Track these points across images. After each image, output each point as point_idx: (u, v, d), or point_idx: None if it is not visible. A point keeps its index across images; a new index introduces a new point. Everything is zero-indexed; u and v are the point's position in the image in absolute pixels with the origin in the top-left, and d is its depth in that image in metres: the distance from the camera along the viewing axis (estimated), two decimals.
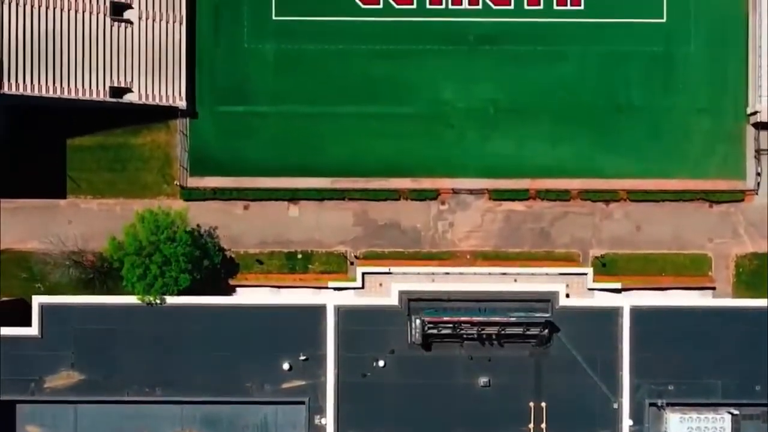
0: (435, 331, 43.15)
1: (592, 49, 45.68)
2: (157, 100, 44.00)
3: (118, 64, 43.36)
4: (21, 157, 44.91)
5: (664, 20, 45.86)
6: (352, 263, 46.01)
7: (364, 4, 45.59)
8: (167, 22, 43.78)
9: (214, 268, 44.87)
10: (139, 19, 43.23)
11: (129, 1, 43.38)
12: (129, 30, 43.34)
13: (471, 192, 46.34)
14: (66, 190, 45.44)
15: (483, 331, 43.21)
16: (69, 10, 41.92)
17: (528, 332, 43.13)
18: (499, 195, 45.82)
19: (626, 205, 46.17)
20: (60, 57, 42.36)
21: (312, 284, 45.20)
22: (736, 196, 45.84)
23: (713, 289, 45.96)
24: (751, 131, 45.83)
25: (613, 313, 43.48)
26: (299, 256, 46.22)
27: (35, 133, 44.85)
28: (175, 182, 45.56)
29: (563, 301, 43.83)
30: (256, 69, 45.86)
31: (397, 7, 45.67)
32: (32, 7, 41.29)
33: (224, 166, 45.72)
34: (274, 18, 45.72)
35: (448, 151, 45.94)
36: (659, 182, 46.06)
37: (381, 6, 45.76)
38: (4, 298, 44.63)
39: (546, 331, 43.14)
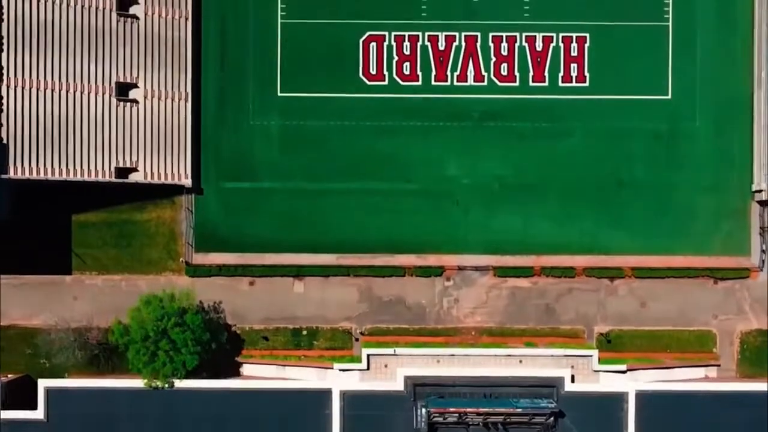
0: (441, 419, 43.15)
1: (597, 126, 45.81)
2: (163, 179, 44.10)
3: (123, 144, 43.45)
4: (26, 233, 44.99)
5: (669, 97, 45.98)
6: (357, 339, 46.01)
7: (369, 80, 45.74)
8: (173, 100, 43.88)
9: (220, 346, 45.03)
10: (145, 98, 43.32)
11: (134, 80, 43.63)
12: (135, 109, 43.46)
13: (476, 269, 46.35)
14: (71, 266, 45.56)
15: (488, 419, 43.24)
16: (75, 92, 42.05)
17: (534, 420, 43.17)
18: (504, 272, 45.84)
19: (631, 282, 46.23)
20: (66, 139, 42.43)
21: (317, 362, 45.35)
22: (742, 273, 45.87)
23: (718, 365, 46.19)
24: (756, 208, 45.83)
25: (619, 398, 43.55)
26: (304, 332, 46.21)
27: (40, 209, 45.35)
28: (180, 259, 45.76)
29: (569, 386, 43.70)
30: (261, 145, 46.01)
31: (402, 83, 45.82)
32: (37, 90, 41.40)
33: (229, 242, 45.87)
34: (279, 94, 45.84)
35: (453, 227, 46.03)
36: (664, 259, 46.20)
37: (386, 82, 45.92)
38: (11, 376, 44.79)
39: (551, 419, 43.16)
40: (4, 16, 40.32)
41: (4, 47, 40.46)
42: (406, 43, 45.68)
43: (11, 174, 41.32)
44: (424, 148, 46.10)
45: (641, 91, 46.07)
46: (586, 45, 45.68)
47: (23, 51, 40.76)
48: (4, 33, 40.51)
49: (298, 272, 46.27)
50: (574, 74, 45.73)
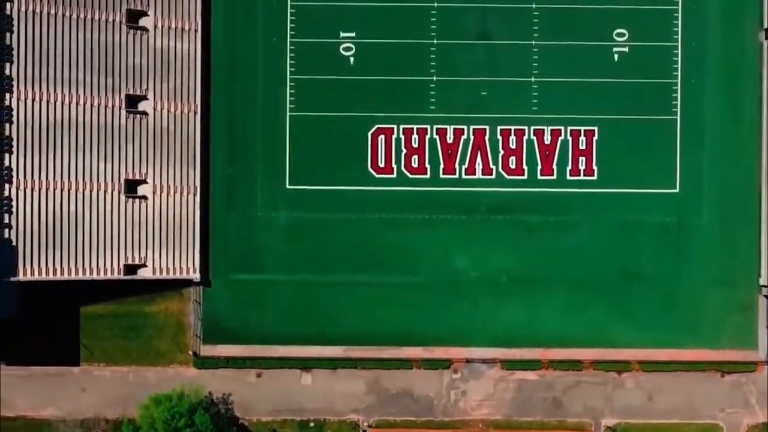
0: None
1: (605, 219, 45.87)
2: (171, 274, 44.11)
3: (132, 240, 43.47)
4: (34, 325, 45.30)
5: (677, 190, 46.04)
6: (364, 431, 46.22)
7: (378, 173, 45.79)
8: (181, 195, 43.92)
9: None
10: (154, 193, 43.41)
11: (143, 176, 43.63)
12: (144, 205, 43.52)
13: (484, 361, 46.39)
14: (79, 357, 45.79)
15: None
16: (84, 191, 42.12)
17: None
18: (511, 365, 45.80)
19: (638, 375, 46.19)
20: (75, 238, 42.48)
21: None
22: (749, 367, 46.01)
23: None
24: (763, 302, 45.78)
25: None
26: (312, 424, 46.17)
27: (48, 301, 45.33)
28: (189, 351, 45.75)
29: None
30: (269, 238, 46.04)
31: (411, 176, 45.86)
32: (47, 190, 41.48)
33: (237, 334, 45.93)
34: (287, 187, 45.90)
35: (460, 320, 46.13)
36: (671, 352, 46.20)
37: (394, 175, 45.98)
38: None
39: None
40: (14, 119, 40.43)
41: (14, 149, 40.65)
42: (415, 136, 45.76)
43: (20, 276, 41.44)
44: (433, 241, 46.20)
45: (649, 184, 46.16)
46: (595, 138, 45.80)
47: (32, 152, 40.84)
48: (14, 135, 40.69)
49: (306, 364, 46.38)
50: (582, 167, 45.86)
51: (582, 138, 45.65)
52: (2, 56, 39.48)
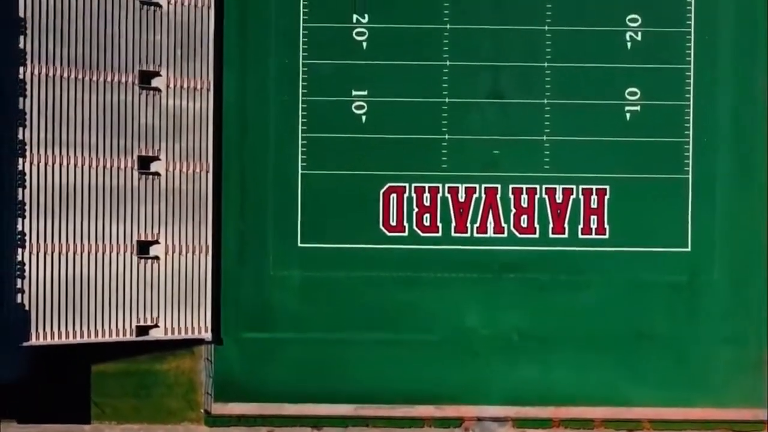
0: None
1: (616, 277, 45.81)
2: (183, 333, 44.01)
3: (144, 301, 43.46)
4: (45, 383, 45.22)
5: (688, 249, 46.11)
6: None
7: (390, 231, 45.78)
8: (193, 254, 43.87)
9: None
10: (166, 253, 43.41)
11: (155, 237, 43.59)
12: (156, 266, 43.50)
13: (495, 419, 46.39)
14: (90, 415, 45.77)
15: None
16: (96, 253, 42.09)
17: None
18: (523, 424, 45.49)
19: None
20: (87, 301, 42.37)
21: None
22: (758, 427, 45.90)
23: None
24: None
25: None
26: None
27: (59, 359, 45.27)
28: (200, 409, 45.69)
29: None
30: (280, 296, 45.94)
31: (423, 235, 45.85)
32: (59, 254, 41.44)
33: (249, 392, 45.75)
34: (299, 245, 45.86)
35: (472, 378, 45.94)
36: (682, 411, 46.08)
37: (406, 234, 45.96)
38: None
39: None
40: (27, 183, 40.41)
41: (27, 214, 40.60)
42: (427, 195, 45.76)
43: (33, 340, 41.39)
44: (444, 299, 46.15)
45: (661, 243, 46.16)
46: (606, 197, 45.84)
47: (45, 216, 40.72)
48: (27, 200, 40.65)
49: (317, 422, 46.27)
50: (593, 226, 45.88)
51: (594, 197, 45.70)
52: (15, 121, 39.53)
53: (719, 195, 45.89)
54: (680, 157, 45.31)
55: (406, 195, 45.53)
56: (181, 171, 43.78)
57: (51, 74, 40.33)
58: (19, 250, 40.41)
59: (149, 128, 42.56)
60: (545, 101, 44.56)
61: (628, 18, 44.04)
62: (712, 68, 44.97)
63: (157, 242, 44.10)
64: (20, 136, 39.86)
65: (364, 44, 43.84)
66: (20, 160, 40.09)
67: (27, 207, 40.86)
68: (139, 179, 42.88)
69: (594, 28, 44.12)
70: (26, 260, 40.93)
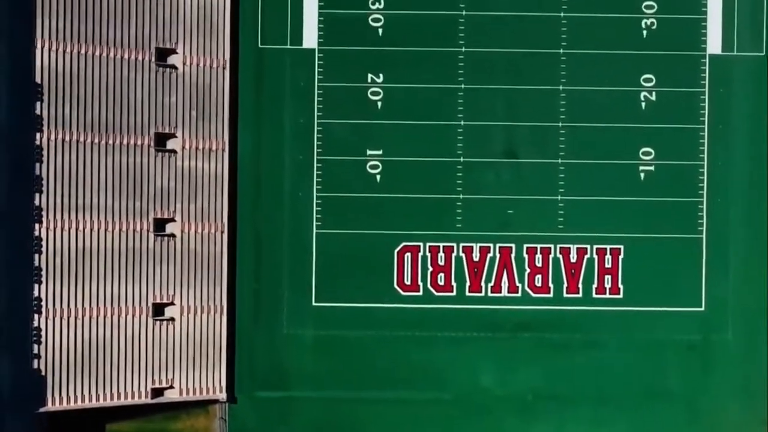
0: None
1: (630, 337, 45.79)
2: (198, 394, 43.97)
3: (159, 363, 43.49)
4: None
5: (702, 309, 46.18)
6: None
7: (404, 291, 45.79)
8: (208, 314, 43.90)
9: None
10: (181, 315, 43.47)
11: (171, 299, 43.62)
12: (171, 327, 43.53)
13: None
14: None
15: None
16: (111, 316, 42.12)
17: None
18: None
19: None
20: (102, 364, 42.35)
21: None
22: None
23: None
24: None
25: None
26: None
27: (74, 420, 45.08)
28: None
29: None
30: (295, 355, 45.91)
31: (437, 294, 45.89)
32: (75, 318, 41.46)
33: None
34: (314, 304, 45.88)
35: None
36: None
37: (421, 293, 45.99)
38: None
39: None
40: (43, 249, 40.43)
41: (43, 279, 40.63)
42: (441, 254, 45.80)
43: (49, 406, 41.35)
44: (458, 359, 46.16)
45: (675, 303, 46.20)
46: (621, 257, 45.92)
47: (61, 281, 40.73)
48: (43, 266, 40.67)
49: None
50: (608, 286, 45.91)
51: (608, 256, 45.74)
52: (32, 187, 39.56)
53: (732, 255, 45.92)
54: (694, 217, 45.38)
55: (420, 254, 45.57)
56: (196, 232, 43.80)
57: (67, 139, 40.42)
58: (35, 316, 40.55)
59: (165, 190, 42.61)
60: (559, 161, 44.63)
61: (642, 78, 44.10)
62: (726, 128, 45.12)
63: (172, 303, 44.22)
64: (36, 202, 39.99)
65: (379, 104, 43.89)
66: (36, 226, 40.22)
67: (43, 272, 40.91)
68: (154, 241, 42.96)
69: (608, 87, 44.24)
70: (42, 326, 41.04)
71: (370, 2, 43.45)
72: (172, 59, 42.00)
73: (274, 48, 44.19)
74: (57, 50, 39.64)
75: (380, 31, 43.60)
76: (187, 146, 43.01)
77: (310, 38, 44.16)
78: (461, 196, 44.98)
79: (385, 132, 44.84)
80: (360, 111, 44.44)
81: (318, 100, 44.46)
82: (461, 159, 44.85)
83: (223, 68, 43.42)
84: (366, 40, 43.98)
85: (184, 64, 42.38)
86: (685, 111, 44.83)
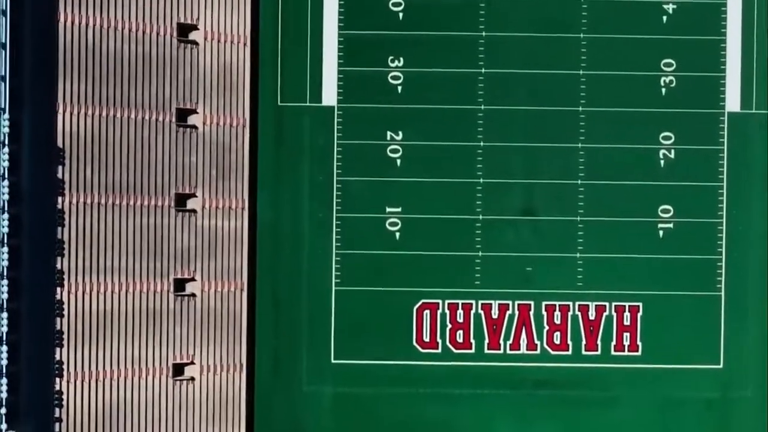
0: None
1: (648, 395, 45.68)
2: None
3: (179, 424, 43.00)
4: None
5: (720, 366, 46.18)
6: None
7: (423, 348, 45.75)
8: (227, 372, 43.80)
9: None
10: (201, 374, 43.28)
11: (190, 359, 43.58)
12: (190, 387, 42.75)
13: None
14: None
15: None
16: (132, 377, 41.96)
17: None
18: None
19: None
20: (123, 427, 41.46)
21: None
22: None
23: None
24: None
25: None
26: None
27: None
28: None
29: None
30: (314, 411, 45.69)
31: (456, 351, 45.88)
32: (95, 380, 41.05)
33: None
34: (333, 361, 45.85)
35: None
36: None
37: (439, 351, 45.94)
38: None
39: None
40: (65, 312, 40.45)
41: (65, 343, 40.63)
42: (460, 312, 45.77)
43: None
44: (477, 416, 45.96)
45: (693, 360, 46.15)
46: (639, 314, 45.92)
47: (82, 344, 40.49)
48: (65, 329, 40.66)
49: None
50: (626, 343, 45.89)
51: (626, 314, 45.72)
52: (54, 251, 39.58)
53: (751, 312, 45.88)
54: (713, 275, 45.37)
55: (439, 311, 45.53)
56: (216, 290, 43.85)
57: (89, 202, 40.44)
58: (57, 380, 40.56)
59: (185, 250, 42.56)
60: (578, 218, 44.61)
61: (661, 135, 44.12)
62: (744, 184, 45.09)
63: (192, 363, 44.21)
64: (58, 266, 40.01)
65: (398, 161, 43.86)
66: (58, 290, 40.25)
67: (65, 336, 40.92)
68: (174, 301, 42.98)
69: (627, 145, 44.28)
70: (64, 389, 41.02)
71: (389, 60, 43.47)
72: (192, 119, 42.04)
73: (293, 105, 44.29)
74: (78, 114, 39.60)
75: (399, 88, 43.61)
76: (207, 206, 43.00)
77: (330, 96, 44.18)
78: (480, 254, 44.96)
79: (404, 189, 44.80)
80: (379, 168, 44.40)
81: (337, 157, 44.45)
82: (480, 216, 44.85)
83: (243, 126, 43.46)
84: (385, 98, 43.92)
85: (204, 123, 42.38)
86: (704, 168, 44.78)
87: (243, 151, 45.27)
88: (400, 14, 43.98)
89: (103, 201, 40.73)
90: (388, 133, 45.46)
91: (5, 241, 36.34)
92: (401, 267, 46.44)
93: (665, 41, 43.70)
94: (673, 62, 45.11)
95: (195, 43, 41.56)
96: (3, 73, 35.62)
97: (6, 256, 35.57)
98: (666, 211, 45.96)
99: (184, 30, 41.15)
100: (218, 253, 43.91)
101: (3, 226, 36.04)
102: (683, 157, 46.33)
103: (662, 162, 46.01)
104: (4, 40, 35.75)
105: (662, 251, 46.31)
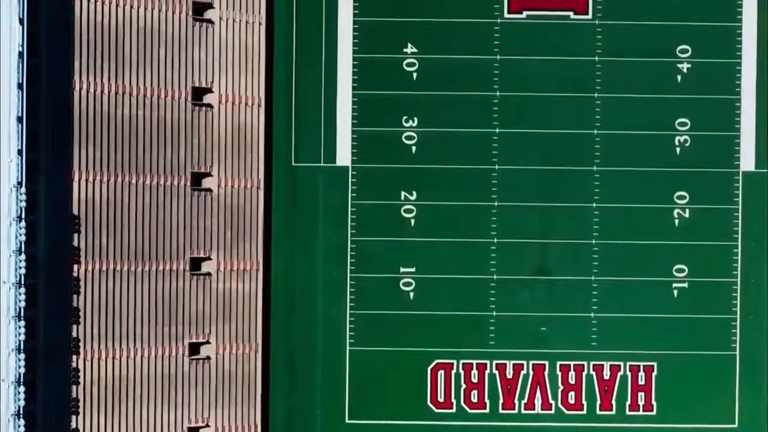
0: None
1: None
2: None
3: None
4: None
5: (735, 426, 46.14)
6: None
7: (437, 408, 45.67)
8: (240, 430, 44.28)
9: None
10: None
11: (205, 422, 43.61)
12: None
13: None
14: None
15: None
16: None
17: None
18: None
19: None
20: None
21: None
22: None
23: None
24: None
25: None
26: None
27: None
28: None
29: None
30: None
31: (470, 411, 45.80)
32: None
33: None
34: (347, 422, 45.78)
35: None
36: None
37: (454, 411, 45.83)
38: None
39: None
40: (81, 380, 40.43)
41: (80, 410, 40.58)
42: (474, 372, 45.71)
43: None
44: None
45: (708, 419, 46.06)
46: (654, 374, 45.92)
47: (98, 411, 39.95)
48: (80, 396, 40.33)
49: None
50: (641, 403, 45.84)
51: (641, 373, 45.67)
52: (70, 319, 39.57)
53: (766, 371, 46.03)
54: (727, 334, 45.34)
55: (453, 371, 45.48)
56: (230, 353, 43.85)
57: (104, 269, 40.40)
58: None
59: (199, 313, 42.47)
60: (592, 278, 44.58)
61: (675, 195, 44.14)
62: (758, 245, 45.10)
63: (206, 426, 44.17)
64: (74, 334, 39.98)
65: (412, 221, 43.84)
66: (74, 357, 40.21)
67: (81, 403, 40.86)
68: (189, 365, 42.95)
69: (642, 204, 44.25)
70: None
71: (403, 120, 43.43)
72: (207, 182, 42.05)
73: (307, 166, 44.29)
74: (93, 181, 39.61)
75: (414, 148, 43.57)
76: (221, 268, 42.96)
77: (344, 156, 44.14)
78: (494, 313, 44.88)
79: (418, 249, 44.72)
80: (393, 228, 44.32)
81: (351, 217, 44.44)
82: (494, 276, 44.80)
83: (257, 188, 43.48)
84: (399, 158, 43.88)
85: (219, 186, 42.32)
86: (719, 228, 44.68)
87: (257, 213, 45.25)
88: (414, 74, 43.95)
89: (118, 267, 40.70)
90: (402, 193, 45.42)
91: (22, 314, 36.33)
92: (415, 327, 46.40)
93: (680, 100, 43.62)
94: (688, 121, 45.04)
95: (209, 106, 41.57)
96: (20, 147, 35.74)
97: (23, 330, 35.56)
98: (680, 270, 45.89)
99: (199, 93, 41.21)
100: (233, 315, 43.88)
101: (20, 300, 36.03)
102: (698, 216, 46.25)
103: (677, 221, 45.96)
104: (20, 114, 35.88)
105: (677, 311, 46.25)
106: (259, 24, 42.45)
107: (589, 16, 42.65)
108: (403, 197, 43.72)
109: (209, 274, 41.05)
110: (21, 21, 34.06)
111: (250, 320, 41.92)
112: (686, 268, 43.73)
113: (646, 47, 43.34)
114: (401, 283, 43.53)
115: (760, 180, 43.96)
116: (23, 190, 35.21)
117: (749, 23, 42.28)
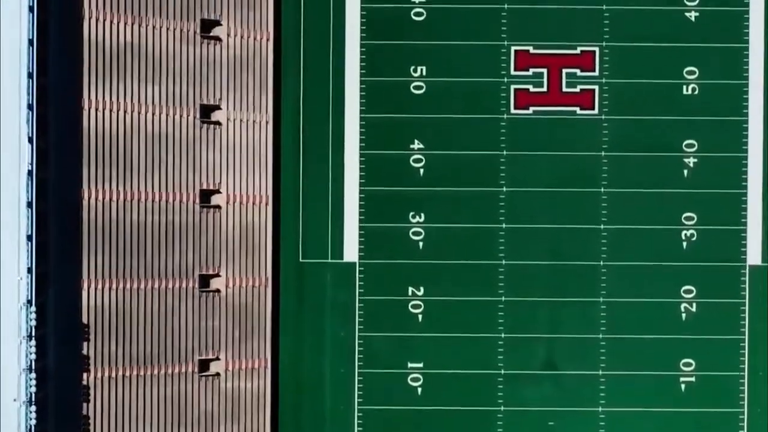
0: None
1: None
2: None
3: None
4: None
5: None
6: None
7: None
8: None
9: None
10: None
11: None
12: None
13: None
14: None
15: None
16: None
17: None
18: None
19: None
20: None
21: None
22: None
23: None
24: None
25: None
26: None
27: None
28: None
29: None
30: None
31: None
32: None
33: None
34: None
35: None
36: None
37: None
38: None
39: None
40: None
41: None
42: None
43: None
44: None
45: None
46: None
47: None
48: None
49: None
50: None
51: None
52: (79, 428, 39.56)
53: None
54: (735, 428, 45.39)
55: None
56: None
57: (113, 375, 40.43)
58: None
59: (208, 414, 42.50)
60: (600, 372, 44.64)
61: (682, 289, 44.04)
62: (765, 339, 45.17)
63: None
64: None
65: (420, 317, 43.93)
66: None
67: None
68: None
69: (648, 299, 44.09)
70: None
71: (410, 216, 43.53)
72: (214, 283, 42.14)
73: (315, 262, 44.33)
74: (102, 288, 39.76)
75: (421, 244, 43.65)
76: (230, 368, 42.99)
77: (351, 252, 44.17)
78: (502, 408, 44.95)
79: (425, 345, 44.79)
80: (401, 324, 44.38)
81: (359, 313, 44.48)
82: (502, 371, 44.85)
83: (265, 286, 43.54)
84: (407, 254, 43.98)
85: (227, 286, 42.43)
86: (725, 322, 44.75)
87: (265, 311, 45.28)
88: (421, 170, 44.05)
89: (127, 373, 40.72)
90: (410, 288, 45.46)
91: (33, 429, 36.43)
92: (424, 422, 46.37)
93: (685, 195, 43.73)
94: (694, 216, 45.11)
95: (218, 207, 41.68)
96: (30, 265, 35.81)
97: None
98: (688, 364, 45.91)
99: (206, 195, 41.29)
100: (241, 414, 43.87)
101: (31, 418, 36.14)
102: (705, 310, 46.22)
103: (683, 315, 45.96)
104: (30, 232, 35.96)
105: (684, 404, 46.24)
106: (266, 122, 42.67)
107: (596, 111, 42.93)
108: (410, 293, 43.74)
109: (218, 374, 41.02)
110: (30, 140, 34.28)
111: (259, 418, 41.89)
112: (693, 362, 43.74)
113: (652, 142, 43.45)
114: (409, 378, 43.54)
115: (767, 274, 44.04)
116: (33, 309, 35.34)
117: (755, 118, 42.49)
